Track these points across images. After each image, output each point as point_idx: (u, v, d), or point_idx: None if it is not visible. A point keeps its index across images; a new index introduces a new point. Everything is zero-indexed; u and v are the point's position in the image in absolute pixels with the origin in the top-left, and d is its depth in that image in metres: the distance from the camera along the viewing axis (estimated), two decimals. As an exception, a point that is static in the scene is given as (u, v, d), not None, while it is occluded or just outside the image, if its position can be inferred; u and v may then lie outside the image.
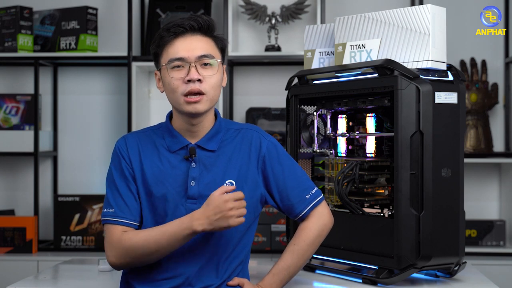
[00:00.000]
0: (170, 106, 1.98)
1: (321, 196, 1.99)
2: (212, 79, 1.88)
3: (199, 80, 1.85)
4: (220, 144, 1.93)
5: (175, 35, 1.88)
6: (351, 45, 2.33)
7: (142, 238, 1.82)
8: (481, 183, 3.86)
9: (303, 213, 1.96)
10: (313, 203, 1.96)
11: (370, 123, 2.32)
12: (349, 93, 2.30)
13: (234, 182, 1.90)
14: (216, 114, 1.98)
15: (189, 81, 1.85)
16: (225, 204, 1.75)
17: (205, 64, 1.87)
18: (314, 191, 1.98)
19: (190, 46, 1.87)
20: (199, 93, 1.86)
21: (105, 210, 1.89)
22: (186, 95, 1.86)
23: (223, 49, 1.95)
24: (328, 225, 1.99)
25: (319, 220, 1.96)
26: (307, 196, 1.96)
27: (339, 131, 2.45)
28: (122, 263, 1.86)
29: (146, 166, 1.90)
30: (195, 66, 1.86)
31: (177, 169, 1.90)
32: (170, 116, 1.99)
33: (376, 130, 2.31)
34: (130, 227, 1.87)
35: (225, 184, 1.89)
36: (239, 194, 1.77)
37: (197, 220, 1.77)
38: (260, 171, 1.94)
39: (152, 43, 1.94)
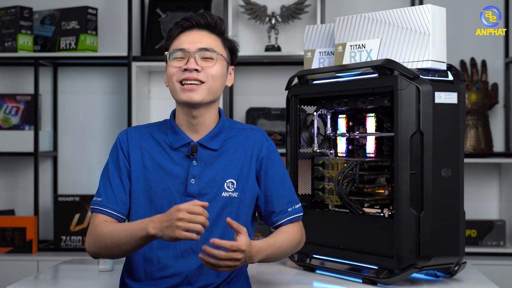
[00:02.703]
0: (171, 106, 1.99)
1: (301, 214, 2.00)
2: (211, 69, 1.88)
3: (196, 70, 1.86)
4: (223, 143, 1.94)
5: (182, 29, 1.91)
6: (351, 45, 2.33)
7: (109, 230, 1.83)
8: (481, 183, 3.86)
9: (280, 223, 1.97)
10: (292, 217, 1.97)
11: (370, 123, 2.32)
12: (349, 93, 2.30)
13: (235, 182, 1.91)
14: (220, 112, 1.99)
15: (185, 70, 1.86)
16: (176, 213, 1.67)
17: (206, 58, 1.88)
18: (297, 206, 1.99)
19: (193, 39, 1.90)
20: (197, 80, 1.86)
21: (94, 198, 1.92)
22: (182, 82, 1.87)
23: (231, 49, 1.96)
24: (302, 243, 2.02)
25: (301, 232, 2.00)
26: (289, 209, 1.97)
27: (339, 131, 2.45)
28: (92, 251, 1.88)
29: (147, 161, 1.91)
30: (194, 56, 1.87)
31: (178, 166, 1.90)
32: (174, 113, 1.99)
33: (376, 130, 2.31)
34: (113, 218, 1.89)
35: (225, 184, 1.90)
36: (197, 208, 1.67)
37: (153, 223, 1.74)
38: (255, 172, 1.95)
39: (164, 38, 1.98)
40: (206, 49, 1.88)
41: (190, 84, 1.86)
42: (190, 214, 1.67)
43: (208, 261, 1.71)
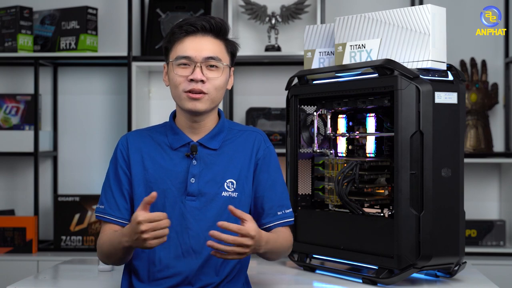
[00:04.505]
0: (171, 106, 1.99)
1: (292, 220, 1.99)
2: (216, 81, 1.89)
3: (202, 81, 1.86)
4: (222, 143, 1.95)
5: (186, 33, 1.90)
6: (351, 45, 2.33)
7: (103, 241, 1.89)
8: (481, 183, 3.86)
9: (268, 226, 1.95)
10: (281, 221, 1.96)
11: (370, 123, 2.32)
12: (349, 93, 2.30)
13: (235, 182, 1.91)
14: (220, 114, 2.00)
15: (192, 80, 1.86)
16: (138, 226, 1.68)
17: (211, 66, 1.88)
18: (287, 211, 1.98)
19: (199, 46, 1.89)
20: (201, 92, 1.87)
21: (97, 206, 1.96)
22: (188, 92, 1.87)
23: (233, 53, 1.97)
24: (290, 249, 2.00)
25: (291, 238, 1.98)
26: (279, 213, 1.96)
27: (339, 131, 2.45)
28: (101, 259, 1.95)
29: (147, 163, 1.92)
30: (200, 66, 1.87)
31: (178, 166, 1.91)
32: (174, 115, 2.00)
33: (376, 130, 2.31)
34: (119, 225, 1.92)
35: (225, 184, 1.90)
36: (157, 215, 1.68)
37: (125, 236, 1.77)
38: (253, 173, 1.96)
39: (164, 37, 1.97)
40: (212, 58, 1.88)
41: (195, 93, 1.87)
42: (152, 222, 1.68)
43: (216, 247, 1.70)
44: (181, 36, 1.90)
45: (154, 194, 1.71)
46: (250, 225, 1.73)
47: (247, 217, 1.75)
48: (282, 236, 1.94)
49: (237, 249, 1.71)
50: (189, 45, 1.89)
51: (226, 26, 1.93)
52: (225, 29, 1.93)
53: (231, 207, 1.74)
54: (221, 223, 1.70)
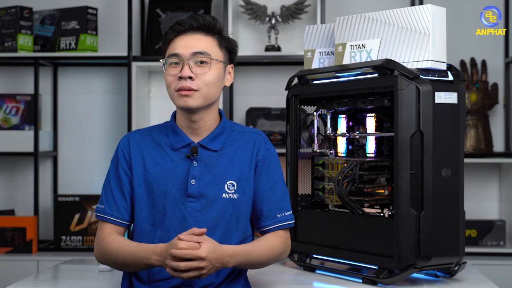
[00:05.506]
0: (171, 106, 2.00)
1: (292, 222, 1.98)
2: (205, 76, 1.88)
3: (190, 78, 1.86)
4: (223, 144, 1.94)
5: (177, 33, 1.91)
6: (351, 45, 2.33)
7: (115, 248, 1.86)
8: (481, 183, 3.86)
9: (267, 228, 1.95)
10: (280, 224, 1.95)
11: (370, 123, 2.32)
12: (349, 93, 2.30)
13: (235, 184, 1.91)
14: (221, 114, 1.99)
15: (180, 78, 1.86)
16: (170, 262, 1.72)
17: (201, 62, 1.88)
18: (287, 213, 1.97)
19: (188, 43, 1.89)
20: (190, 89, 1.87)
21: (97, 206, 1.95)
22: (178, 90, 1.87)
23: (229, 49, 1.96)
24: (286, 253, 1.98)
25: (285, 243, 1.96)
26: (279, 215, 1.95)
27: (339, 131, 2.45)
28: (100, 261, 1.94)
29: (148, 163, 1.92)
30: (188, 63, 1.87)
31: (179, 167, 1.91)
32: (175, 115, 1.99)
33: (376, 130, 2.31)
34: (118, 225, 1.92)
35: (225, 185, 1.90)
36: (198, 253, 1.72)
37: (157, 255, 1.78)
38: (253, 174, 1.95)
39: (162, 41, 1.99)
40: (200, 53, 1.88)
41: (185, 90, 1.87)
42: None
43: (172, 274, 1.73)
44: (172, 36, 1.92)
45: (204, 230, 1.76)
46: (202, 247, 1.73)
47: (203, 238, 1.75)
48: (263, 245, 1.90)
49: (190, 273, 1.72)
50: (178, 43, 1.90)
51: (216, 22, 1.92)
52: (214, 25, 1.92)
53: (194, 230, 1.76)
54: (179, 237, 1.74)
